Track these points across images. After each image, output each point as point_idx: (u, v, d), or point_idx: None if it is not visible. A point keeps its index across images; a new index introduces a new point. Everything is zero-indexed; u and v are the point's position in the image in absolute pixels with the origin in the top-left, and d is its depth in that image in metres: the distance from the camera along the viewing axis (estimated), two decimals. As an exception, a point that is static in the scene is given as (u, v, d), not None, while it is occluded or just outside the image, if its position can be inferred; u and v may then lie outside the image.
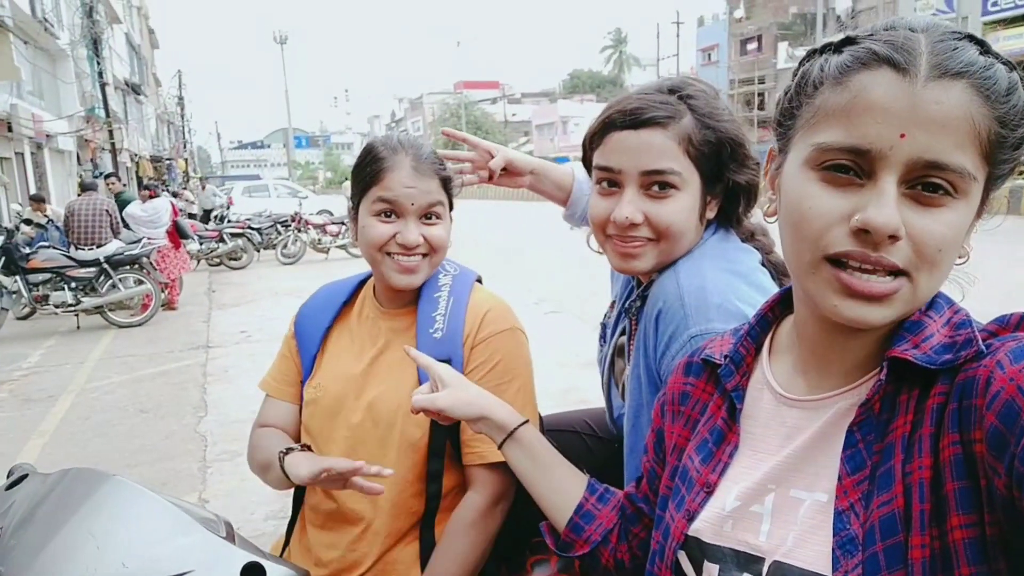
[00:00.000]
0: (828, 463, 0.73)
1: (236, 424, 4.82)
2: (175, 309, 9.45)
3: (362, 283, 1.51)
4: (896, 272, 0.67)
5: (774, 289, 1.11)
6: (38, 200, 11.71)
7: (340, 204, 21.60)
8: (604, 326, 1.45)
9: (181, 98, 54.21)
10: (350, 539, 1.33)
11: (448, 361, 1.30)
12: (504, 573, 1.35)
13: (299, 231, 14.35)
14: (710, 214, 1.18)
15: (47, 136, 21.10)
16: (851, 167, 0.68)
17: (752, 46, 44.29)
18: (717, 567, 0.77)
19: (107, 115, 22.56)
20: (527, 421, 1.12)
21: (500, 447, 1.10)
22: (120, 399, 5.62)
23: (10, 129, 18.06)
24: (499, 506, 1.31)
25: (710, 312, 1.04)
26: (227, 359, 6.74)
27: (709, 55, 48.19)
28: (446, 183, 1.37)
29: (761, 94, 41.71)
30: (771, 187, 0.81)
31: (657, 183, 1.11)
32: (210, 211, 17.75)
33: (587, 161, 1.23)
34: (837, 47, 0.72)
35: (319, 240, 14.52)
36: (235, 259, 13.55)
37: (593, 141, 1.18)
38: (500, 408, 1.11)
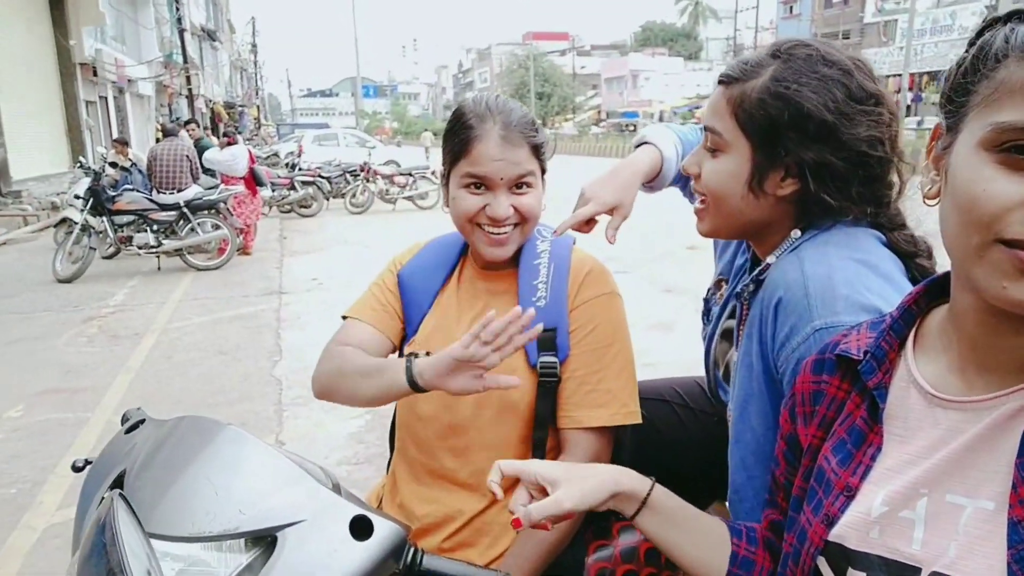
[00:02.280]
0: (995, 468, 0.67)
1: (310, 369, 4.91)
2: (249, 254, 9.74)
3: (466, 244, 1.48)
4: None
5: (903, 280, 1.03)
6: (122, 143, 12.15)
7: (408, 155, 21.73)
8: (707, 302, 1.40)
9: (254, 45, 55.00)
10: (446, 496, 1.35)
11: (554, 329, 1.29)
12: (590, 537, 1.35)
13: (368, 181, 14.51)
14: (782, 191, 1.08)
15: (128, 81, 21.80)
16: None
17: (838, -2, 42.06)
18: (864, 575, 0.73)
19: (184, 61, 23.10)
20: (655, 482, 0.99)
21: (633, 519, 0.96)
22: (200, 340, 5.86)
23: (95, 73, 18.72)
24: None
25: (837, 304, 0.97)
26: (299, 305, 6.94)
27: (791, 8, 46.02)
28: (537, 150, 1.33)
29: (845, 50, 39.68)
30: (935, 167, 0.74)
31: (710, 141, 1.12)
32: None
33: None
34: None
35: (387, 191, 14.66)
36: (305, 207, 13.82)
37: None
38: (624, 477, 0.96)
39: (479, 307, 1.39)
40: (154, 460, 0.93)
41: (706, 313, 1.40)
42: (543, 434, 1.33)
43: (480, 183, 1.29)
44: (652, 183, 1.48)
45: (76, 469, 1.13)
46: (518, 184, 1.30)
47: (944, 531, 0.68)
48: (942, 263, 0.83)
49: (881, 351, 0.79)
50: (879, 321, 0.84)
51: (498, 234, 1.30)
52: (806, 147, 1.04)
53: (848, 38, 39.56)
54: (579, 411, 1.30)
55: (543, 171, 1.36)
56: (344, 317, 1.48)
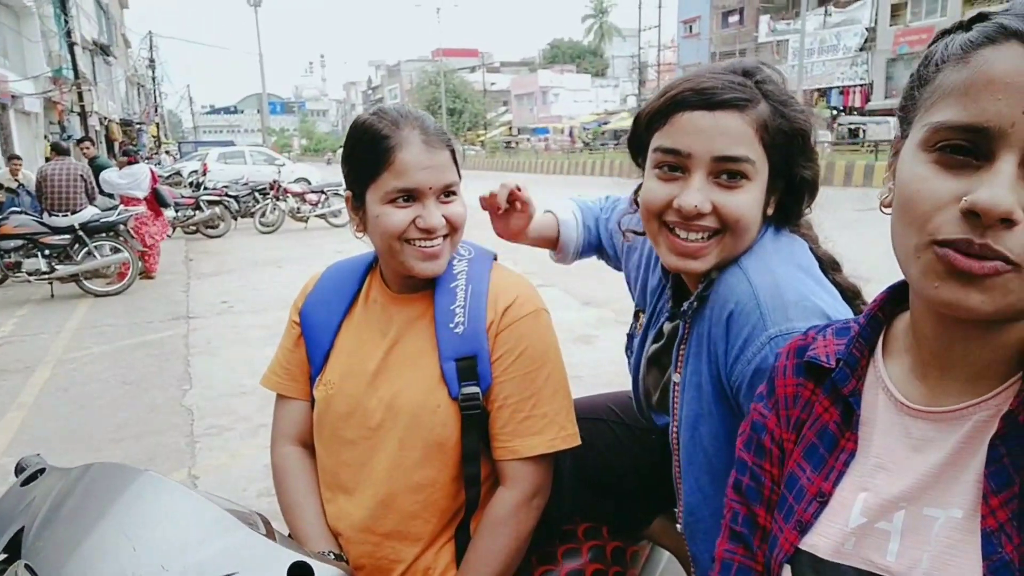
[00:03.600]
0: (965, 478, 0.68)
1: (223, 398, 4.74)
2: (153, 278, 9.26)
3: (369, 266, 1.39)
4: (1006, 261, 0.61)
5: (828, 283, 1.06)
6: (16, 158, 11.36)
7: (318, 172, 21.27)
8: (631, 337, 1.38)
9: (152, 60, 52.80)
10: (380, 543, 1.26)
11: (474, 357, 1.23)
12: (535, 563, 1.31)
13: (278, 199, 14.10)
14: (769, 210, 1.10)
15: (12, 97, 20.45)
16: (967, 147, 0.63)
17: (734, 19, 44.13)
18: None
19: (76, 76, 21.89)
20: None
21: None
22: (101, 371, 5.50)
23: (-26, 89, 17.45)
24: (534, 502, 1.25)
25: (788, 310, 0.97)
26: (209, 330, 6.63)
27: (691, 27, 47.89)
28: (454, 155, 1.26)
29: (742, 67, 41.60)
30: (892, 177, 0.75)
31: (728, 171, 1.03)
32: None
33: (637, 142, 1.14)
34: (967, 25, 0.67)
35: (298, 209, 14.29)
36: (212, 227, 13.29)
37: (653, 120, 1.07)
38: None
39: (392, 334, 1.30)
40: (58, 515, 0.83)
41: (628, 348, 1.38)
42: (474, 469, 1.25)
43: (408, 195, 1.20)
44: (557, 246, 1.57)
45: (-36, 527, 1.00)
46: (446, 192, 1.23)
47: (918, 542, 0.68)
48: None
49: (853, 358, 0.80)
50: (845, 328, 0.85)
51: (431, 247, 1.22)
52: (805, 165, 1.09)
53: (744, 56, 41.43)
54: (515, 440, 1.24)
55: (459, 177, 1.29)
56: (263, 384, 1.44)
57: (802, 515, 0.77)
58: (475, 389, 1.22)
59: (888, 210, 0.74)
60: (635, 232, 1.25)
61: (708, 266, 1.07)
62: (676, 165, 1.05)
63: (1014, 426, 0.65)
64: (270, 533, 0.84)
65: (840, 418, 0.79)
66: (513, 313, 1.26)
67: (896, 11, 32.67)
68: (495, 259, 1.37)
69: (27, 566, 0.73)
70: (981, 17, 0.66)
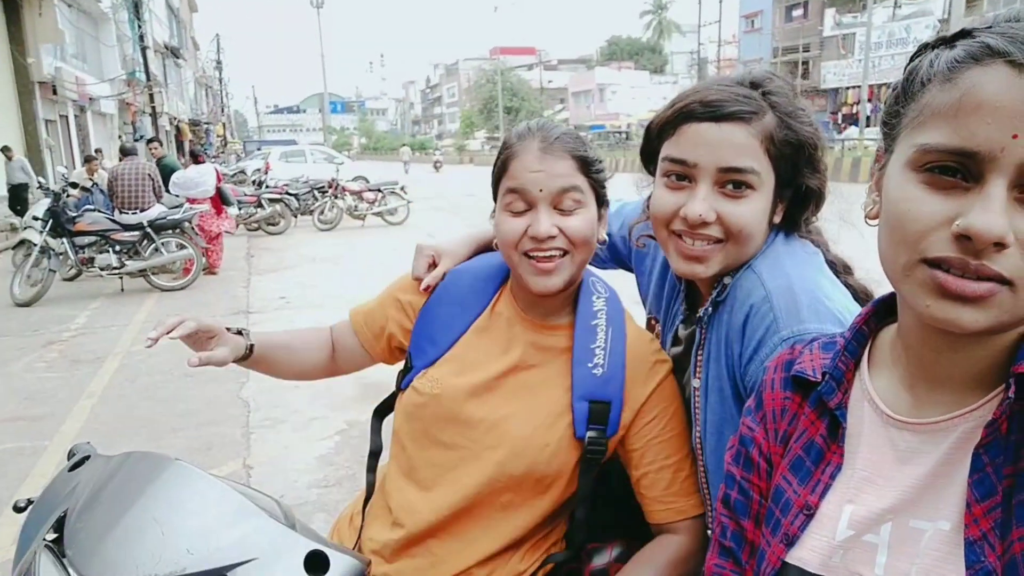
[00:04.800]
0: (952, 489, 0.68)
1: (278, 391, 4.89)
2: (216, 274, 9.59)
3: (504, 277, 1.34)
4: (1000, 280, 0.61)
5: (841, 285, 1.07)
6: (92, 158, 11.96)
7: (377, 170, 21.63)
8: None
9: (219, 62, 54.53)
10: (456, 569, 1.23)
11: (608, 403, 1.20)
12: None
13: (336, 197, 14.40)
14: (776, 218, 1.12)
15: (90, 99, 21.46)
16: (957, 169, 0.63)
17: (798, 12, 42.99)
18: None
19: (148, 78, 22.79)
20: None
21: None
22: (164, 362, 5.72)
23: (55, 92, 18.38)
24: (699, 554, 1.19)
25: (802, 312, 0.99)
26: (267, 325, 6.83)
27: (752, 21, 46.87)
28: (586, 165, 1.18)
29: (806, 63, 40.56)
30: (876, 188, 0.76)
31: (733, 181, 1.05)
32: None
33: (648, 150, 1.17)
34: (950, 41, 0.67)
35: (355, 207, 14.56)
36: (273, 224, 13.67)
37: (663, 130, 1.10)
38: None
39: (516, 354, 1.26)
40: (97, 500, 0.89)
41: None
42: (583, 514, 1.24)
43: (522, 202, 1.17)
44: None
45: (17, 510, 1.08)
46: (562, 201, 1.16)
47: (906, 555, 0.68)
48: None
49: (839, 372, 0.80)
50: (831, 342, 0.85)
51: (544, 259, 1.16)
52: (812, 175, 1.10)
53: (808, 51, 40.39)
54: (681, 500, 1.21)
55: (599, 195, 1.22)
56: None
57: (789, 528, 0.77)
58: (600, 434, 1.20)
59: (873, 222, 0.75)
60: (649, 237, 1.26)
61: (713, 271, 1.09)
62: (683, 175, 1.07)
63: (997, 435, 0.65)
64: (291, 522, 0.88)
65: (826, 431, 0.79)
66: (660, 372, 1.25)
67: (971, 1, 31.31)
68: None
69: (47, 546, 0.78)
70: (964, 33, 0.66)
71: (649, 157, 1.17)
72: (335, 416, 4.41)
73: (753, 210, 1.06)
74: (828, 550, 0.73)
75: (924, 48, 0.71)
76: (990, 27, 0.64)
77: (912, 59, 0.72)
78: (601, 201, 1.23)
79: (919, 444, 0.71)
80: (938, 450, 0.69)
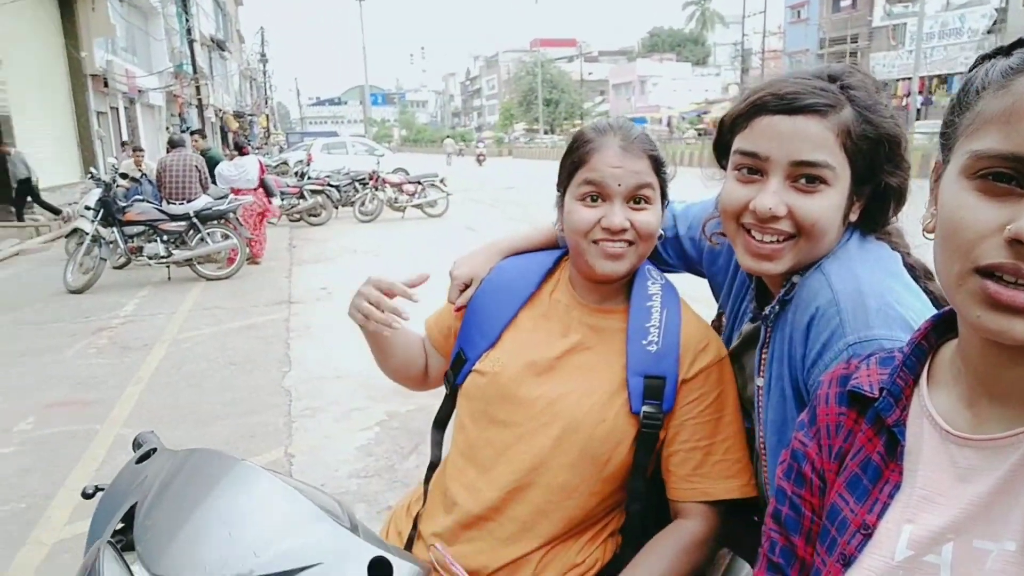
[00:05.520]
0: (1019, 508, 0.66)
1: (319, 380, 4.96)
2: (258, 263, 9.76)
3: (552, 265, 1.40)
4: None
5: (920, 290, 1.03)
6: (139, 150, 12.23)
7: (418, 162, 21.76)
8: None
9: (263, 55, 55.34)
10: (498, 528, 1.25)
11: (663, 379, 1.22)
12: None
13: (376, 189, 14.53)
14: (853, 216, 1.08)
15: (139, 91, 21.97)
16: (1012, 176, 0.62)
17: (846, 2, 41.93)
18: None
19: (194, 71, 23.24)
20: None
21: None
22: (209, 351, 5.85)
23: (106, 84, 18.86)
24: (711, 542, 1.25)
25: (870, 318, 0.95)
26: (309, 315, 6.93)
27: (799, 12, 45.93)
28: (658, 164, 1.25)
29: (854, 54, 39.57)
30: (934, 201, 0.75)
31: (806, 176, 1.02)
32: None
33: (720, 144, 1.15)
34: (1007, 50, 0.67)
35: (396, 199, 14.68)
36: (314, 215, 13.85)
37: (736, 123, 1.08)
38: None
39: (575, 337, 1.30)
40: (165, 496, 0.90)
41: None
42: (641, 484, 1.26)
43: (597, 194, 1.23)
44: None
45: (86, 496, 1.10)
46: (636, 198, 1.23)
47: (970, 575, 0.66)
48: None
49: (897, 388, 0.79)
50: (888, 357, 0.84)
51: (613, 248, 1.23)
52: (893, 173, 1.06)
53: (856, 42, 39.42)
54: (706, 482, 1.24)
55: (664, 194, 1.29)
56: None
57: (845, 548, 0.75)
58: (657, 409, 1.23)
59: (931, 235, 0.74)
60: (721, 235, 1.23)
61: (783, 268, 1.06)
62: (755, 168, 1.05)
63: None
64: (354, 526, 0.88)
65: (884, 449, 0.78)
66: (709, 356, 1.27)
67: (1030, -9, 30.18)
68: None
69: (110, 543, 0.79)
70: (1021, 43, 0.66)
71: (722, 151, 1.14)
72: (375, 407, 4.45)
73: (826, 205, 1.02)
74: (887, 570, 0.71)
75: (981, 59, 0.71)
76: None
77: (970, 70, 0.71)
78: (664, 197, 1.30)
79: (981, 461, 0.70)
80: (1002, 467, 0.68)
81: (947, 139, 0.72)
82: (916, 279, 1.07)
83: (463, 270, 1.43)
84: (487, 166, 36.28)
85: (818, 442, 0.85)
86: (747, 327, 1.23)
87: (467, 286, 1.42)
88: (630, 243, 1.24)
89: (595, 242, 1.23)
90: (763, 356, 1.14)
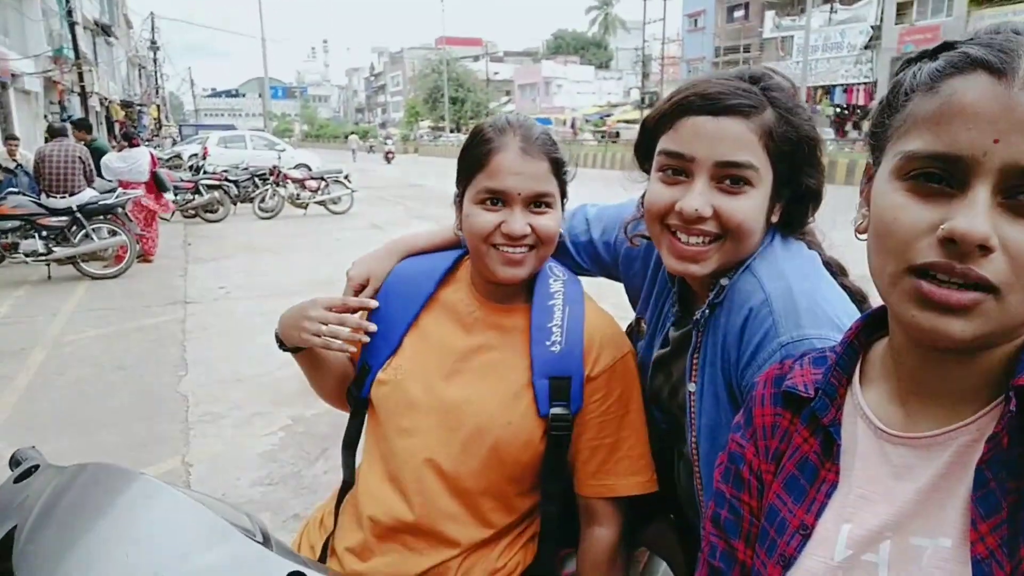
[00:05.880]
0: (952, 505, 0.67)
1: (218, 384, 4.73)
2: (150, 262, 9.23)
3: (451, 265, 1.37)
4: (985, 287, 0.62)
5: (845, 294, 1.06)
6: (12, 138, 11.28)
7: (319, 157, 21.20)
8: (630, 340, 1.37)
9: (154, 42, 52.50)
10: (431, 563, 1.23)
11: (568, 379, 1.22)
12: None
13: (277, 185, 14.05)
14: (774, 218, 1.10)
15: (12, 76, 20.33)
16: (941, 176, 0.64)
17: (739, 13, 43.95)
18: None
19: (76, 56, 21.75)
20: None
21: None
22: (96, 354, 5.48)
23: (-26, 67, 17.35)
24: (624, 541, 1.28)
25: (800, 317, 0.97)
26: (206, 315, 6.61)
27: (696, 21, 47.70)
28: (558, 167, 1.23)
29: (747, 63, 41.43)
30: (865, 202, 0.77)
31: (731, 177, 1.02)
32: None
33: (643, 146, 1.14)
34: (933, 53, 0.69)
35: (297, 195, 14.25)
36: (211, 212, 13.24)
37: (660, 123, 1.08)
38: None
39: (477, 338, 1.28)
40: (51, 517, 0.81)
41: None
42: (555, 487, 1.26)
43: (496, 198, 1.20)
44: None
45: (-46, 522, 0.98)
46: (536, 202, 1.21)
47: (908, 573, 0.67)
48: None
49: (832, 387, 0.80)
50: (821, 357, 0.85)
51: (513, 253, 1.21)
52: (810, 174, 1.08)
53: (748, 51, 41.29)
54: (611, 479, 1.25)
55: (563, 193, 1.27)
56: None
57: (785, 549, 0.76)
58: (564, 410, 1.22)
59: (863, 236, 0.75)
60: (643, 237, 1.24)
61: (709, 270, 1.07)
62: (680, 169, 1.05)
63: (999, 449, 0.65)
64: (267, 540, 0.82)
65: (820, 448, 0.79)
66: (612, 353, 1.26)
67: (902, 10, 32.51)
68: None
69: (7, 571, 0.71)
70: (947, 46, 0.68)
71: (645, 154, 1.14)
72: (278, 411, 4.28)
73: (751, 206, 1.04)
74: (827, 571, 0.72)
75: (908, 62, 0.72)
76: (971, 39, 0.66)
77: (897, 73, 0.73)
78: (564, 197, 1.28)
79: (914, 459, 0.71)
80: (934, 465, 0.69)
81: (877, 140, 0.73)
82: (833, 275, 1.10)
83: (359, 270, 1.39)
84: (395, 163, 35.48)
85: (755, 443, 0.85)
86: (675, 334, 1.23)
87: (363, 287, 1.38)
88: (531, 247, 1.22)
89: (495, 246, 1.21)
90: (695, 361, 1.14)
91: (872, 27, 33.59)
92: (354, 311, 1.30)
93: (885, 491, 0.72)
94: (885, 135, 0.71)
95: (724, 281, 1.09)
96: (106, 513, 0.79)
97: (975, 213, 0.61)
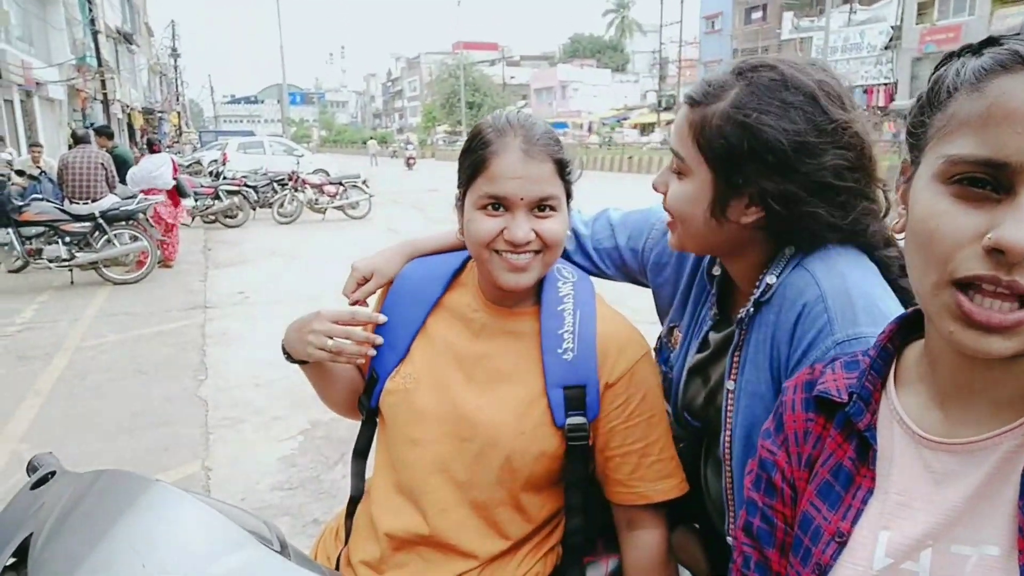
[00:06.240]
0: (998, 512, 0.65)
1: (237, 389, 4.75)
2: (171, 267, 9.31)
3: (459, 267, 1.32)
4: None
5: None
6: (36, 146, 11.45)
7: (336, 162, 21.32)
8: (658, 351, 1.34)
9: (175, 49, 53.17)
10: (430, 553, 1.20)
11: (583, 388, 1.17)
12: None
13: (296, 190, 14.14)
14: (746, 219, 1.03)
15: (37, 84, 20.66)
16: (987, 180, 0.61)
17: (757, 15, 43.73)
18: None
19: (99, 64, 22.07)
20: None
21: None
22: (117, 359, 5.52)
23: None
24: (671, 545, 1.26)
25: (858, 316, 0.94)
26: (226, 321, 6.64)
27: (713, 23, 47.51)
28: (562, 168, 1.17)
29: (764, 65, 41.06)
30: (902, 201, 0.74)
31: (675, 163, 1.08)
32: None
33: None
34: (977, 49, 0.65)
35: (316, 200, 14.32)
36: (230, 217, 13.35)
37: None
38: None
39: (485, 344, 1.24)
40: (66, 524, 0.80)
41: (663, 360, 1.33)
42: (577, 499, 1.22)
43: (498, 203, 1.14)
44: None
45: (-29, 528, 0.98)
46: (540, 206, 1.15)
47: None
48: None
49: (867, 391, 0.77)
50: (853, 361, 0.83)
51: (518, 260, 1.15)
52: (765, 177, 0.99)
53: (767, 53, 41.02)
54: (644, 485, 1.21)
55: (569, 194, 1.21)
56: None
57: (820, 557, 0.74)
58: (582, 420, 1.18)
59: (900, 235, 0.72)
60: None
61: (674, 245, 1.14)
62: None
63: None
64: (284, 548, 0.81)
65: (855, 454, 0.77)
66: (630, 357, 1.21)
67: (923, 9, 32.18)
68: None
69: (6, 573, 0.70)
70: (992, 41, 0.64)
71: None
72: (297, 415, 4.28)
73: (681, 193, 1.07)
74: None
75: (949, 57, 0.69)
76: (1018, 34, 0.62)
77: (937, 68, 0.69)
78: (569, 198, 1.23)
79: (956, 465, 0.68)
80: (979, 471, 0.67)
81: (916, 139, 0.70)
82: (898, 278, 1.04)
83: (365, 264, 1.36)
84: (417, 169, 34.71)
85: (786, 450, 0.83)
86: (715, 336, 1.20)
87: (366, 280, 1.35)
88: (536, 252, 1.16)
89: (497, 252, 1.15)
90: (735, 359, 1.11)
91: (892, 27, 33.26)
92: (361, 324, 1.26)
93: (926, 498, 0.69)
94: (925, 135, 0.68)
95: (770, 279, 1.05)
96: (121, 521, 0.78)
97: (1023, 221, 0.58)
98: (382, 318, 1.27)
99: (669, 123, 42.29)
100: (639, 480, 1.21)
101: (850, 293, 0.96)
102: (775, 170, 0.98)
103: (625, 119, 52.90)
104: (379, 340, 1.26)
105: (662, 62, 50.72)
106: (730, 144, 0.99)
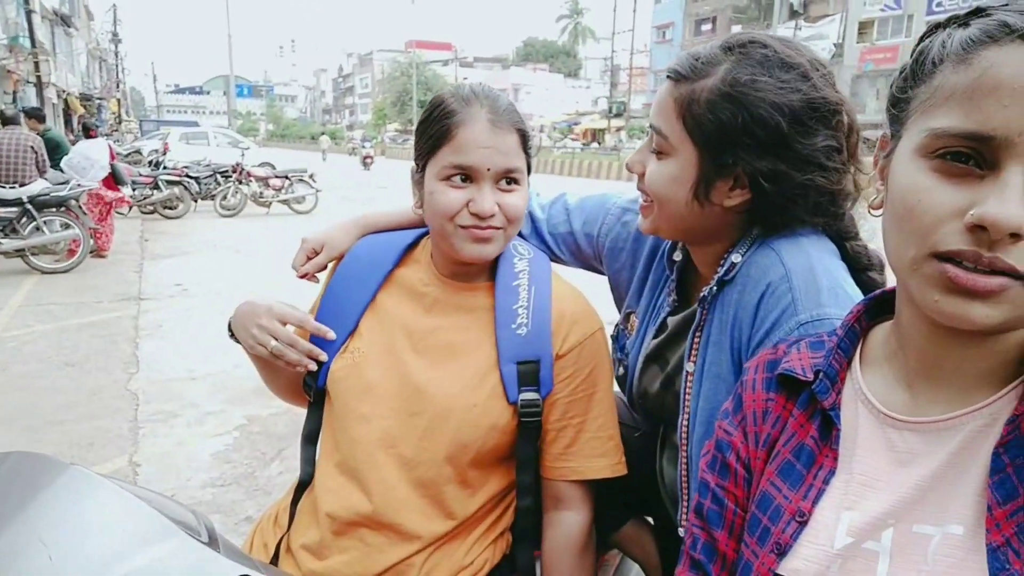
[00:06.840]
0: (963, 491, 0.64)
1: (171, 383, 4.56)
2: (104, 256, 8.93)
3: (411, 244, 1.29)
4: (1014, 275, 0.58)
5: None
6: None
7: (284, 157, 20.89)
8: (615, 338, 1.31)
9: (115, 34, 51.38)
10: (393, 559, 1.14)
11: (537, 362, 1.15)
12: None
13: (240, 183, 13.78)
14: (730, 201, 1.00)
15: (-36, 63, 19.67)
16: (970, 155, 0.59)
17: (706, 27, 44.74)
18: None
19: (33, 45, 21.14)
20: None
21: None
22: (43, 350, 5.25)
23: (-78, 52, 16.74)
24: (593, 529, 1.22)
25: (821, 296, 0.91)
26: (161, 313, 6.40)
27: (664, 33, 48.42)
28: (525, 139, 1.16)
29: (712, 76, 42.06)
30: (880, 177, 0.72)
31: (655, 142, 1.03)
32: None
33: None
34: (964, 20, 0.63)
35: (261, 194, 13.99)
36: (170, 208, 12.92)
37: None
38: None
39: (438, 318, 1.21)
40: (-35, 512, 0.72)
41: (620, 348, 1.31)
42: (528, 478, 1.19)
43: (463, 175, 1.11)
44: None
45: None
46: (506, 179, 1.13)
47: (911, 562, 0.64)
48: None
49: (833, 370, 0.77)
50: (818, 341, 0.82)
51: (481, 232, 1.12)
52: (758, 156, 0.96)
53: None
54: (578, 460, 1.18)
55: (529, 167, 1.19)
56: None
57: (780, 537, 0.72)
58: (535, 395, 1.15)
59: (877, 212, 0.71)
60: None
61: (645, 229, 1.10)
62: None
63: (1017, 433, 0.62)
64: (213, 540, 0.74)
65: (818, 433, 0.76)
66: (582, 330, 1.19)
67: (863, 28, 33.38)
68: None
69: None
70: (980, 12, 0.62)
71: None
72: (233, 410, 4.14)
73: (662, 173, 1.03)
74: (825, 559, 0.69)
75: (935, 28, 0.66)
76: (1006, 4, 0.60)
77: (921, 40, 0.67)
78: (529, 172, 1.21)
79: (921, 444, 0.68)
80: (944, 450, 0.66)
81: (899, 111, 0.68)
82: (867, 269, 1.03)
83: (316, 236, 1.32)
84: (374, 169, 31.53)
85: (743, 430, 0.81)
86: (673, 319, 1.17)
87: (316, 254, 1.30)
88: (498, 228, 1.14)
89: (461, 226, 1.13)
90: (696, 340, 1.08)
91: (835, 44, 34.39)
92: (306, 333, 1.22)
93: (888, 477, 0.69)
94: (908, 108, 0.66)
95: (735, 257, 1.02)
96: (28, 508, 0.70)
97: (1007, 198, 0.57)
98: (331, 335, 1.21)
99: (619, 129, 42.90)
100: (573, 455, 1.19)
101: (815, 273, 0.94)
102: (768, 149, 0.96)
103: (576, 124, 53.33)
104: (323, 356, 1.22)
105: (614, 69, 51.35)
106: (721, 121, 0.95)
